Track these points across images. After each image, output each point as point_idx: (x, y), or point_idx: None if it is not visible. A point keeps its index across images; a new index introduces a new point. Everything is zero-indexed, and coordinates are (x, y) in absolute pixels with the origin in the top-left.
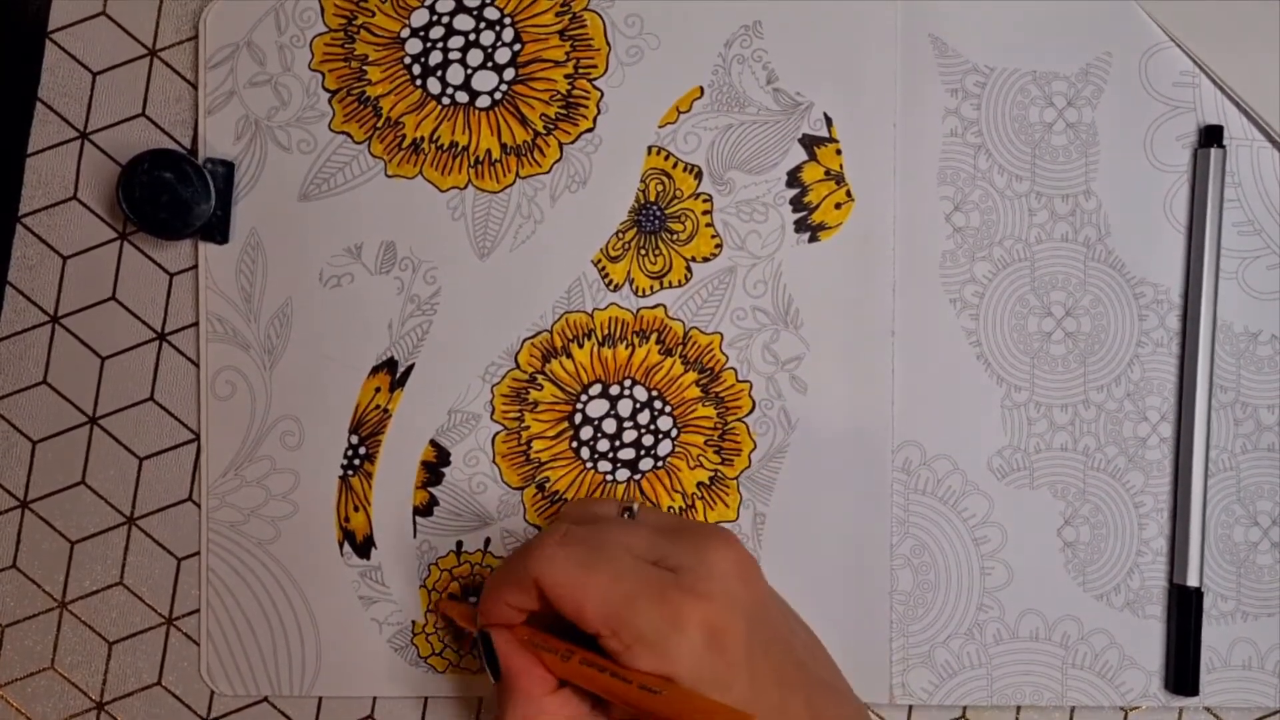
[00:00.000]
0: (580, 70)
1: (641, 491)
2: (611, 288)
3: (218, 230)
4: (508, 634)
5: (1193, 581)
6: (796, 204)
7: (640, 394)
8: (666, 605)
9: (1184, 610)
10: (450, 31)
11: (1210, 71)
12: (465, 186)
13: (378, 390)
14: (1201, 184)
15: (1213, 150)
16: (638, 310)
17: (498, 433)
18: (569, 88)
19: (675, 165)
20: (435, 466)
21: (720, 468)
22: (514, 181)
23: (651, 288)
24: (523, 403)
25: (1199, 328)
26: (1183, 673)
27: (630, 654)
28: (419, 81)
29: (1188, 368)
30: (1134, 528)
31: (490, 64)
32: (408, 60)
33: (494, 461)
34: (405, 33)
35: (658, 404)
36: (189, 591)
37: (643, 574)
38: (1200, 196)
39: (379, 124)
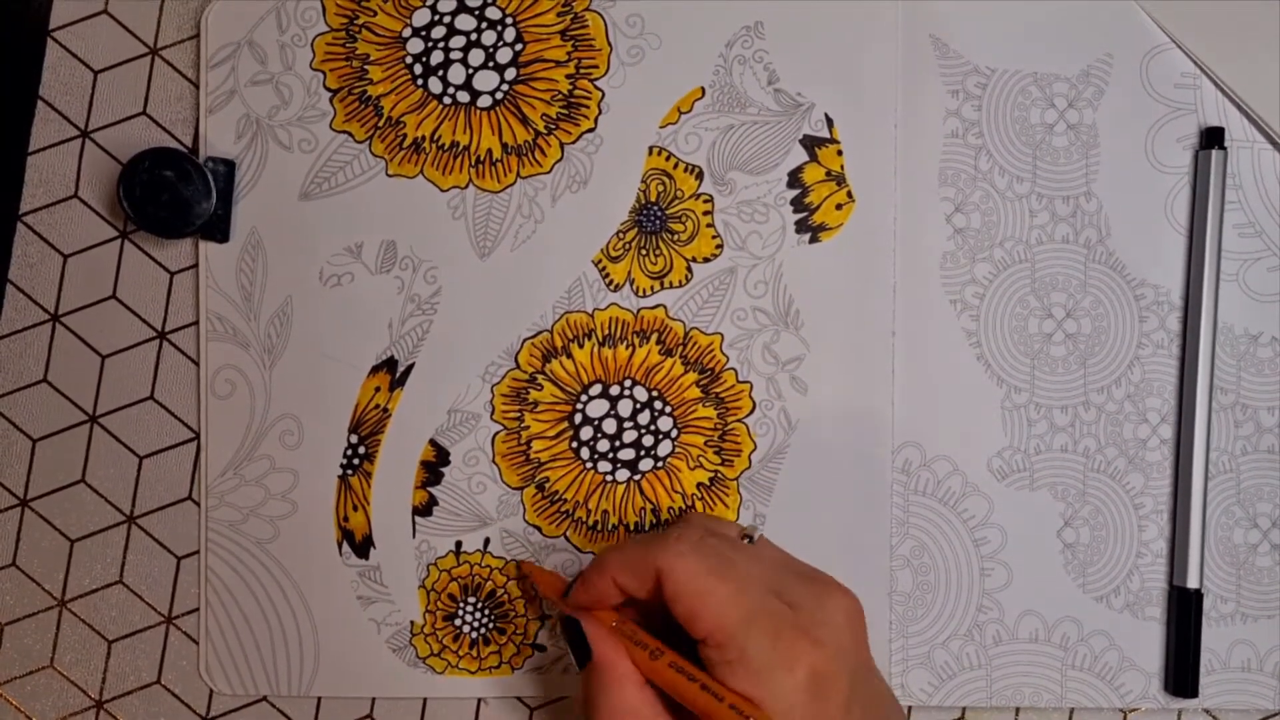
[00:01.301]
0: (581, 70)
1: (641, 492)
2: (612, 288)
3: (218, 229)
4: (598, 620)
5: (1192, 583)
6: (797, 205)
7: (640, 394)
8: (781, 639)
9: (1184, 612)
10: (452, 31)
11: (1211, 73)
12: (466, 186)
13: (377, 390)
14: (1202, 186)
15: (1214, 152)
16: (638, 310)
17: (497, 432)
18: (570, 88)
19: (676, 165)
20: (435, 466)
21: (720, 468)
22: (515, 181)
23: (652, 288)
24: (523, 403)
25: (1199, 329)
26: (1182, 674)
27: (728, 669)
28: (420, 81)
29: (1188, 369)
30: (1134, 529)
31: (491, 64)
32: (409, 60)
33: (494, 461)
34: (407, 32)
35: (658, 404)
36: (188, 590)
37: (765, 600)
38: (1201, 198)
39: (380, 123)
